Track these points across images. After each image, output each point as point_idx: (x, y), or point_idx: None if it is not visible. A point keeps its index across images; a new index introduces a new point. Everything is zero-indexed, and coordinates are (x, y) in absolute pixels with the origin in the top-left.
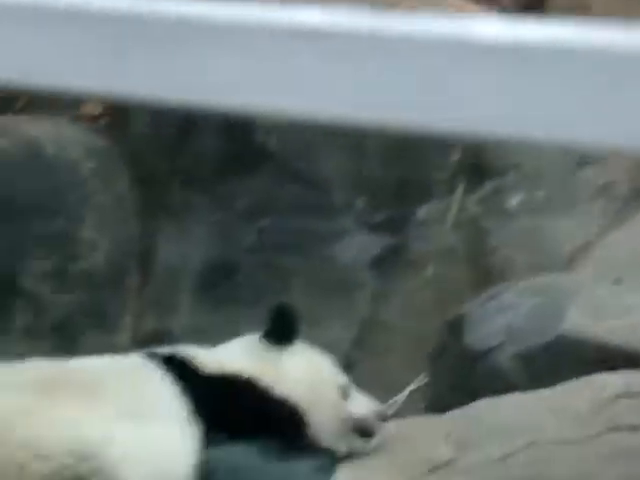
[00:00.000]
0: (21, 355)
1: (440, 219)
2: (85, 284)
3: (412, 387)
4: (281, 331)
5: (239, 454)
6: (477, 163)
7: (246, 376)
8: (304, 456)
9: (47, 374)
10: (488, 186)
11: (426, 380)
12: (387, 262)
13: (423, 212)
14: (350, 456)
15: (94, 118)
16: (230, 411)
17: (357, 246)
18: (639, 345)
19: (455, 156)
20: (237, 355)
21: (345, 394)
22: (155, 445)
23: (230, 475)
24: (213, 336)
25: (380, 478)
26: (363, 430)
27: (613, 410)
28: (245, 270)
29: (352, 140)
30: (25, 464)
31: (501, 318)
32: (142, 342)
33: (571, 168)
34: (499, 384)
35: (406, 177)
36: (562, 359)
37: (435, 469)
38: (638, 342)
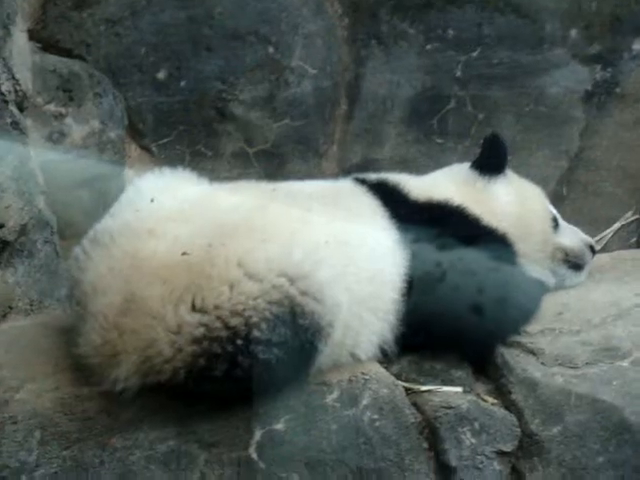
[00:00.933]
0: (231, 178)
1: None
2: (294, 112)
3: (621, 222)
4: (491, 161)
5: (470, 256)
6: None
7: (456, 204)
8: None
9: (257, 195)
10: None
11: (636, 216)
12: (599, 96)
13: (638, 45)
14: (559, 287)
15: None
16: (440, 235)
17: (568, 79)
18: None
19: None
20: (446, 183)
21: (555, 226)
22: (363, 267)
23: (463, 275)
24: (419, 166)
25: (590, 305)
26: (572, 262)
27: None
28: (453, 101)
29: None
30: (235, 283)
31: None
32: (348, 170)
33: None
34: None
35: (622, 9)
36: None
37: None
38: None
